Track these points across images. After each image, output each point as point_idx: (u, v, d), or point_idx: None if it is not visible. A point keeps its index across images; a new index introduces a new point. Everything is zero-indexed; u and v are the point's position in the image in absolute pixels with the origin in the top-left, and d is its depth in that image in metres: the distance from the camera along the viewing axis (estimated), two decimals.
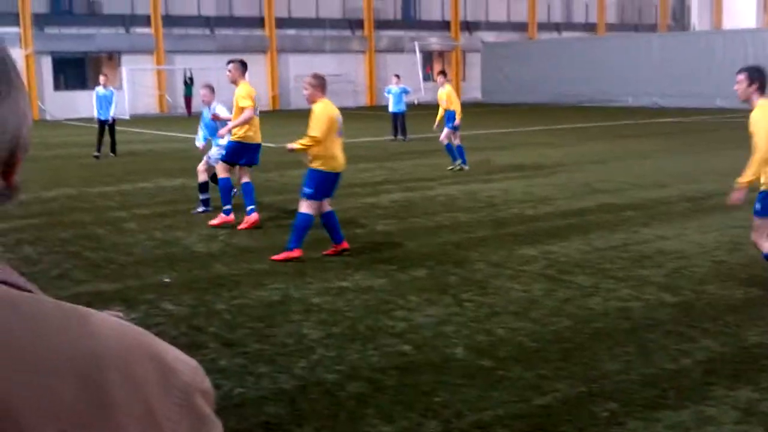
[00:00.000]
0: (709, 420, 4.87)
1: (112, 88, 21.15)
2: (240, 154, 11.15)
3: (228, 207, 11.07)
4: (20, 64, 37.26)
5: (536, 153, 20.23)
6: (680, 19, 62.75)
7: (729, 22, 62.34)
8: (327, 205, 9.14)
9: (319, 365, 5.88)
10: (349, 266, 8.77)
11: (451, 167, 16.82)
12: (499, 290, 7.78)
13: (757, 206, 7.32)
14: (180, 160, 19.94)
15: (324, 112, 8.84)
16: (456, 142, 17.12)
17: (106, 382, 0.78)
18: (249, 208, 11.01)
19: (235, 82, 11.15)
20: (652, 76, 41.89)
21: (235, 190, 11.63)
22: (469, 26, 53.96)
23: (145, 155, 21.50)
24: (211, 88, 12.23)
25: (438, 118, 17.62)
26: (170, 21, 43.57)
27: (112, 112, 20.37)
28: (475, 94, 52.17)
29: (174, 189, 14.91)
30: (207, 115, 12.14)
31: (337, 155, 8.95)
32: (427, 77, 48.02)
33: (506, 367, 5.76)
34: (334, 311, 7.19)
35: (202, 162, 11.98)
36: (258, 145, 11.31)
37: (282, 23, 46.81)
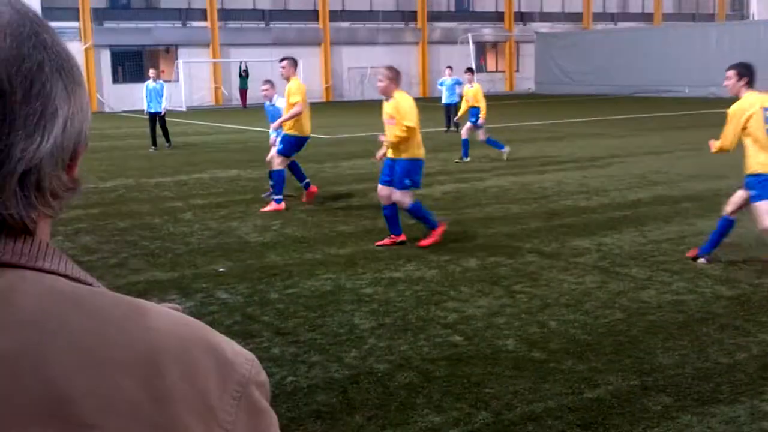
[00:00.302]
0: (764, 416, 4.79)
1: (162, 81, 21.47)
2: (296, 146, 11.88)
3: (279, 197, 11.61)
4: (80, 57, 38.04)
5: (590, 144, 20.01)
6: (739, 8, 61.39)
7: None
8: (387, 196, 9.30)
9: (370, 355, 5.92)
10: (400, 257, 8.80)
11: (458, 160, 16.93)
12: (551, 282, 7.73)
13: (753, 193, 7.81)
14: (235, 151, 20.18)
15: (411, 101, 9.13)
16: (481, 137, 17.30)
17: (165, 375, 0.80)
18: (305, 182, 12.05)
19: (287, 78, 11.79)
20: (710, 66, 41.06)
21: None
22: (523, 17, 53.51)
23: (200, 147, 21.79)
24: (271, 83, 12.69)
25: (461, 112, 18.34)
26: (226, 14, 44.05)
27: (164, 105, 20.64)
28: (529, 85, 51.75)
29: (229, 180, 15.09)
30: (271, 108, 12.57)
31: (421, 143, 9.22)
32: (481, 68, 47.78)
33: (558, 360, 5.73)
34: (385, 302, 7.23)
35: (272, 152, 12.31)
36: (307, 138, 12.05)
37: (336, 16, 47.00)
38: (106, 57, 41.57)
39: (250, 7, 45.05)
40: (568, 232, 9.89)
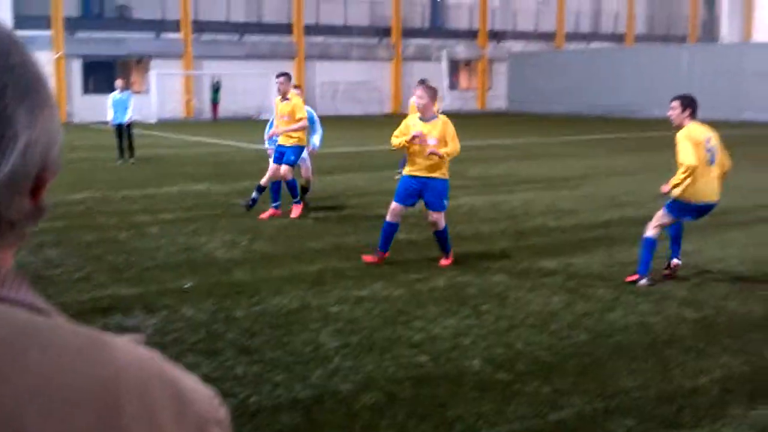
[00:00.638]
0: None
1: (129, 92, 21.21)
2: (300, 155, 12.61)
3: (297, 199, 12.47)
4: (49, 68, 37.69)
5: (561, 164, 20.14)
6: (710, 31, 62.30)
7: (759, 35, 61.78)
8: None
9: (335, 375, 5.88)
10: (368, 275, 8.77)
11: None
12: (518, 302, 7.74)
13: (669, 204, 8.48)
14: (205, 165, 20.09)
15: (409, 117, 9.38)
16: None
17: (121, 411, 0.77)
18: (277, 203, 12.51)
19: (284, 94, 12.29)
20: (681, 88, 41.58)
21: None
22: (496, 35, 53.89)
23: (170, 160, 21.66)
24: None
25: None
26: (200, 26, 43.92)
27: (129, 116, 20.36)
28: (501, 103, 52.08)
29: (198, 194, 15.00)
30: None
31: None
32: (454, 86, 48.02)
33: (523, 381, 5.72)
34: (352, 320, 7.19)
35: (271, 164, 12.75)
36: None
37: (310, 30, 47.03)
38: (77, 67, 41.27)
39: (224, 19, 44.96)
40: (537, 252, 9.92)
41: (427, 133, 8.94)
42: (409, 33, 50.46)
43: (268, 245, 10.36)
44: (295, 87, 13.23)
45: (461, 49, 52.45)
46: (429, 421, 5.06)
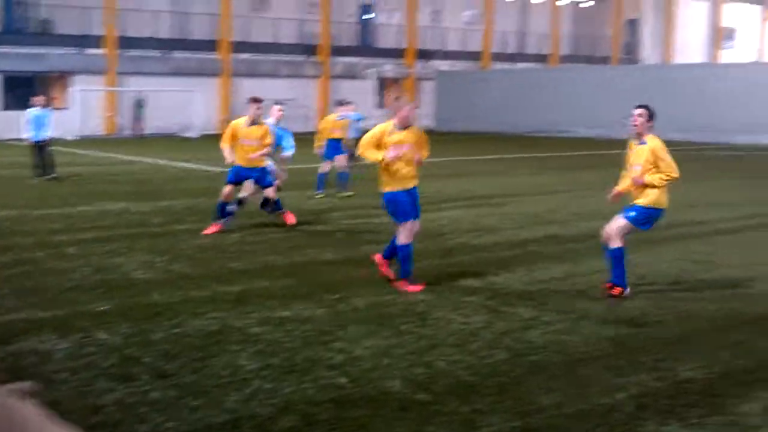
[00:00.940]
0: None
1: (48, 109, 20.75)
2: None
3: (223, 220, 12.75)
4: None
5: (487, 182, 20.35)
6: (632, 52, 63.97)
7: (679, 57, 63.70)
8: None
9: (253, 398, 5.78)
10: (291, 295, 8.69)
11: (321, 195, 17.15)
12: (439, 322, 7.75)
13: (632, 214, 8.62)
14: (124, 183, 19.72)
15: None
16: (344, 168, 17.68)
17: None
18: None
19: (258, 118, 12.70)
20: (603, 107, 42.50)
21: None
22: (424, 54, 54.35)
23: (90, 177, 21.19)
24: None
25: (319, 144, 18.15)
26: (125, 42, 43.14)
27: (49, 133, 19.90)
28: (429, 121, 52.47)
29: (116, 213, 14.69)
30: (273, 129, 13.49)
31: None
32: (381, 104, 48.17)
33: (442, 402, 5.72)
34: (273, 342, 7.10)
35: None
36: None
37: (238, 47, 46.69)
38: None
39: (150, 35, 44.30)
40: (460, 271, 9.97)
41: (404, 140, 9.00)
42: (337, 51, 50.51)
43: (186, 266, 10.18)
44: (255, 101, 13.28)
45: (389, 68, 52.72)
46: None
